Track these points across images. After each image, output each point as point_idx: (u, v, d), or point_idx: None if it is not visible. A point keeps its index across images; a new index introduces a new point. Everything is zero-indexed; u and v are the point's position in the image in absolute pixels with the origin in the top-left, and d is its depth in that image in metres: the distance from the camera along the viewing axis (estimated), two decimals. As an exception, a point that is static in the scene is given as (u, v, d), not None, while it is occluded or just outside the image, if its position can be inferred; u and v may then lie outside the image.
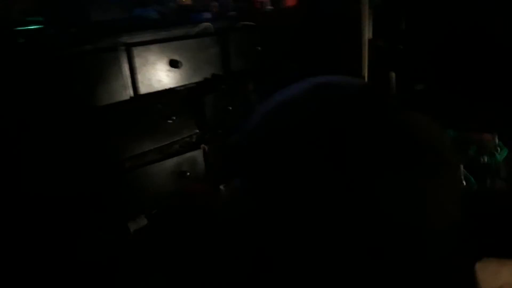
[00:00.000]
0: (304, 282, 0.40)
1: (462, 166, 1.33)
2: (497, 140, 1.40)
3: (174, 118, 1.44)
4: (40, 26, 1.28)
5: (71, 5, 1.36)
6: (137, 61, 1.35)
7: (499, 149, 1.38)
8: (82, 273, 1.21)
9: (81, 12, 1.36)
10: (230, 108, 1.60)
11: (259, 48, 1.69)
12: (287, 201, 0.39)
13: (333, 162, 0.37)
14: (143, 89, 1.38)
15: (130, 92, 1.35)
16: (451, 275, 0.47)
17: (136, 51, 1.35)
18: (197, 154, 1.52)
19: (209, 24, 1.54)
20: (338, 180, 0.37)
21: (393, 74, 1.89)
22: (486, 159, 1.36)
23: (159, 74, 1.41)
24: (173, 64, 1.43)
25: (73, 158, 1.24)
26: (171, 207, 1.31)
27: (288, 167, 0.39)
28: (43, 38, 1.23)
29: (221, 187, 1.48)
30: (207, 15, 1.61)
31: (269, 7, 1.88)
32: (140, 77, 1.36)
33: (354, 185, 0.37)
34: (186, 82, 1.49)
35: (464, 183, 1.30)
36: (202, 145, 1.52)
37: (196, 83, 1.52)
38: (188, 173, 1.47)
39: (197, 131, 1.54)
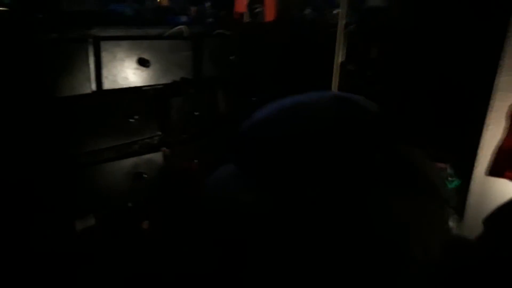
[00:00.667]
0: (279, 281, 0.40)
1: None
2: (449, 170, 1.45)
3: (137, 117, 1.41)
4: (5, 9, 1.23)
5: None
6: (105, 56, 1.32)
7: (450, 178, 1.43)
8: (26, 267, 1.14)
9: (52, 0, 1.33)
10: (196, 113, 1.59)
11: (232, 57, 1.70)
12: (288, 201, 0.39)
13: (338, 173, 0.39)
14: (108, 85, 1.35)
15: (93, 86, 1.31)
16: None
17: (104, 45, 1.32)
18: (156, 157, 1.48)
19: (184, 27, 1.53)
20: (338, 190, 0.38)
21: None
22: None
23: (126, 71, 1.39)
24: (142, 63, 1.41)
25: (26, 147, 1.19)
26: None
27: (299, 168, 0.39)
28: (9, 21, 1.19)
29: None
30: (184, 18, 1.61)
31: (248, 20, 1.90)
32: (105, 72, 1.33)
33: (351, 199, 0.38)
34: (154, 83, 1.47)
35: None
36: (163, 148, 1.49)
37: (164, 84, 1.50)
38: (145, 175, 1.43)
39: (159, 133, 1.51)
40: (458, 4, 1.68)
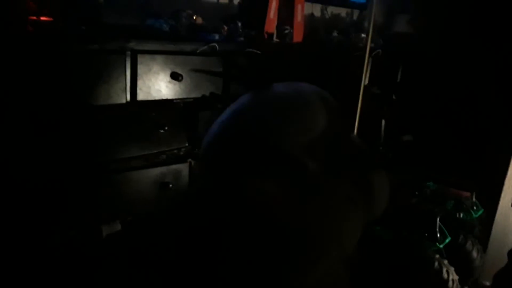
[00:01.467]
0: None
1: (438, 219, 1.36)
2: (474, 199, 1.44)
3: (166, 128, 1.45)
4: (50, 19, 1.30)
5: (84, 4, 1.40)
6: (140, 68, 1.38)
7: (475, 207, 1.42)
8: (52, 270, 1.17)
9: (93, 12, 1.40)
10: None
11: (260, 74, 1.74)
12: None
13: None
14: (141, 96, 1.40)
15: (128, 97, 1.37)
16: None
17: (141, 58, 1.38)
18: (183, 168, 1.52)
19: (217, 44, 1.59)
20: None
21: (383, 122, 1.95)
22: (461, 215, 1.40)
23: (159, 84, 1.44)
24: (175, 76, 1.46)
25: (59, 152, 1.23)
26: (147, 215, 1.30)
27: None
28: (52, 30, 1.26)
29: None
30: (216, 36, 1.66)
31: (276, 40, 1.95)
32: (140, 84, 1.39)
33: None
34: (184, 96, 1.52)
35: (439, 236, 1.33)
36: (189, 160, 1.52)
37: (193, 98, 1.54)
38: (171, 185, 1.47)
39: (187, 144, 1.55)
40: (483, 30, 1.70)
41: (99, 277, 1.14)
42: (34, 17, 1.23)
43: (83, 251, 1.24)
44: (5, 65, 1.10)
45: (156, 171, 1.45)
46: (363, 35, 2.16)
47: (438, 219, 1.33)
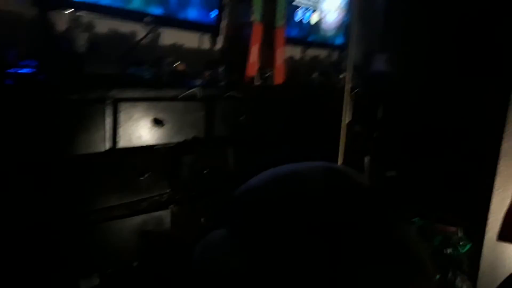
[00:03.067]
0: None
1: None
2: (460, 233, 1.43)
3: (147, 175, 1.44)
4: (32, 71, 1.32)
5: (66, 54, 1.43)
6: (122, 116, 1.39)
7: (462, 242, 1.41)
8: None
9: (75, 63, 1.42)
10: (206, 171, 1.62)
11: (242, 118, 1.77)
12: (275, 270, 0.38)
13: (327, 246, 0.38)
14: (122, 144, 1.40)
15: (108, 145, 1.36)
16: None
17: (122, 106, 1.39)
18: (165, 214, 1.49)
19: (198, 89, 1.61)
20: (326, 263, 0.37)
21: (366, 159, 1.97)
22: (449, 251, 1.38)
23: (140, 131, 1.44)
24: (157, 122, 1.47)
25: (36, 203, 1.21)
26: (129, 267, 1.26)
27: (286, 237, 0.39)
28: (33, 82, 1.27)
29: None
30: (198, 81, 1.70)
31: (258, 83, 2.00)
32: (121, 132, 1.39)
33: (340, 272, 0.37)
34: (167, 141, 1.52)
35: None
36: (171, 206, 1.50)
37: (176, 143, 1.55)
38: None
39: (168, 190, 1.53)
40: (461, 69, 1.75)
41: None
42: (13, 71, 1.24)
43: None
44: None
45: (137, 219, 1.42)
46: (343, 75, 2.23)
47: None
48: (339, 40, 2.84)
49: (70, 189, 1.27)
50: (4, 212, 1.14)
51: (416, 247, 0.42)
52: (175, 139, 1.55)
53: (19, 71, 1.26)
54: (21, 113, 1.17)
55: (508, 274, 0.86)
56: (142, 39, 1.72)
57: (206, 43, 2.07)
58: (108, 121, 1.36)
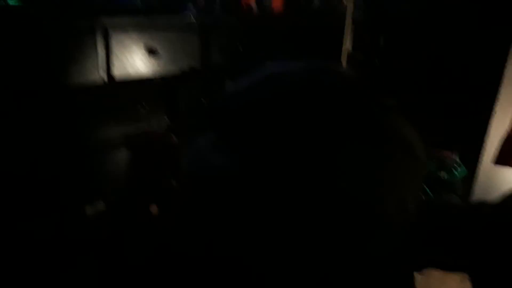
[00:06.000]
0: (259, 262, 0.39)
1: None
2: (457, 158, 1.45)
3: (145, 105, 1.43)
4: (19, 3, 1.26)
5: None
6: (114, 45, 1.34)
7: (457, 167, 1.43)
8: (37, 253, 1.17)
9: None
10: (204, 101, 1.60)
11: (240, 46, 1.71)
12: (257, 161, 0.39)
13: (308, 132, 0.38)
14: (117, 73, 1.37)
15: (104, 75, 1.34)
16: (391, 277, 0.46)
17: (114, 34, 1.34)
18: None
19: (192, 16, 1.54)
20: (307, 149, 0.38)
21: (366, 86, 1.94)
22: (444, 176, 1.41)
23: (135, 60, 1.41)
24: (151, 52, 1.43)
25: (36, 134, 1.22)
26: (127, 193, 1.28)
27: (269, 130, 0.39)
28: (20, 12, 1.22)
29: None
30: (192, 8, 1.62)
31: (255, 10, 1.90)
32: (115, 61, 1.35)
33: (320, 157, 0.38)
34: (162, 72, 1.49)
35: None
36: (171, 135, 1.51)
37: (172, 73, 1.52)
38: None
39: (167, 119, 1.53)
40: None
41: (84, 260, 1.15)
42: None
43: (67, 233, 1.25)
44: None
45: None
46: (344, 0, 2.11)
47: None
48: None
49: (68, 120, 1.27)
50: (7, 145, 1.15)
51: (404, 131, 0.42)
52: (171, 69, 1.51)
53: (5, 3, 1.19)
54: (10, 46, 1.13)
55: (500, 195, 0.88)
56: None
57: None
58: (101, 50, 1.32)
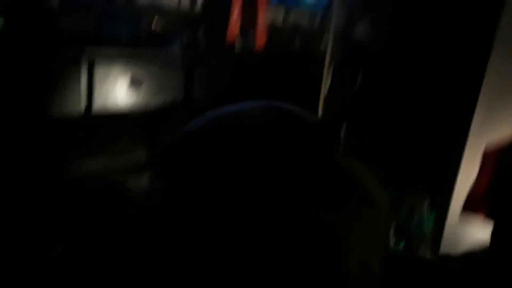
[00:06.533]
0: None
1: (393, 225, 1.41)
2: (426, 203, 1.51)
3: (125, 139, 1.41)
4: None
5: (39, 9, 1.33)
6: (98, 75, 1.33)
7: (428, 213, 1.48)
8: None
9: (49, 18, 1.33)
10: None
11: (223, 81, 1.74)
12: (207, 209, 0.37)
13: (264, 183, 0.36)
14: (98, 106, 1.35)
15: (82, 106, 1.32)
16: None
17: (98, 64, 1.33)
18: (143, 180, 1.48)
19: (177, 51, 1.56)
20: (263, 200, 0.36)
21: (343, 127, 2.00)
22: (415, 219, 1.46)
23: (117, 93, 1.40)
24: (134, 84, 1.43)
25: (6, 163, 1.17)
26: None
27: (222, 176, 0.37)
28: (5, 37, 1.19)
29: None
30: (177, 43, 1.63)
31: (239, 45, 1.94)
32: (97, 92, 1.34)
33: (276, 209, 0.36)
34: (144, 105, 1.48)
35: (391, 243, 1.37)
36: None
37: (154, 107, 1.51)
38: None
39: (146, 155, 1.51)
40: (438, 41, 1.75)
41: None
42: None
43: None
44: None
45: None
46: (324, 42, 2.20)
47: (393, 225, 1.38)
48: (322, 3, 2.77)
49: (40, 152, 1.23)
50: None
51: (363, 179, 0.40)
52: (153, 103, 1.51)
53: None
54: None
55: (469, 245, 0.92)
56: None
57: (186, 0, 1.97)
58: (83, 79, 1.30)
